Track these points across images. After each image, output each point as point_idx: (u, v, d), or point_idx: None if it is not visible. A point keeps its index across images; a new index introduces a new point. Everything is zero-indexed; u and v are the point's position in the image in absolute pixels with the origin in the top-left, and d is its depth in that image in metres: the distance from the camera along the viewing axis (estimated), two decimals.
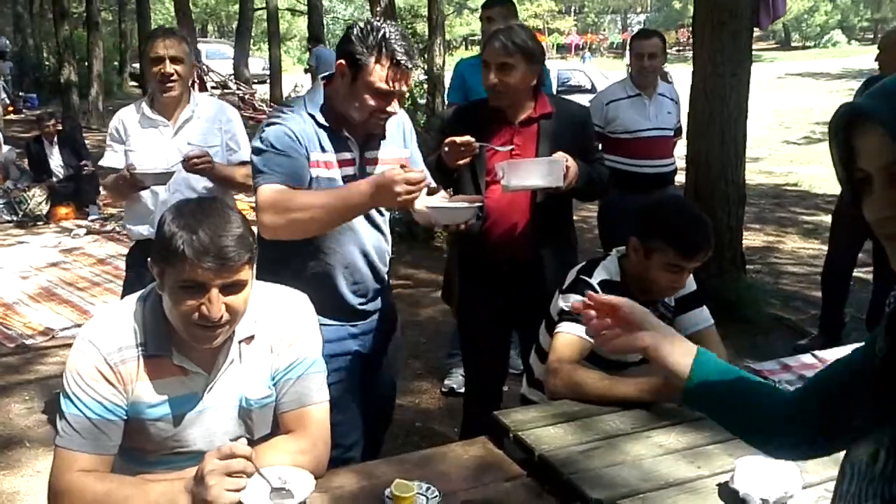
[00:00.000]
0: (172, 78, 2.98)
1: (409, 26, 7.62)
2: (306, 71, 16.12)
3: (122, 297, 3.27)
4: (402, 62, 2.10)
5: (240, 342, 1.75)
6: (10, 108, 17.34)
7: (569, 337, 2.17)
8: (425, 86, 7.65)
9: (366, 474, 1.77)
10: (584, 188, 2.61)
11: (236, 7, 24.50)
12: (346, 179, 2.22)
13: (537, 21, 46.63)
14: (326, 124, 2.20)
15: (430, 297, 5.50)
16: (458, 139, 2.48)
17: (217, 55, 23.89)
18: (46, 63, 21.40)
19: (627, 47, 4.68)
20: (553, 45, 44.23)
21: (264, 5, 19.18)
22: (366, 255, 2.34)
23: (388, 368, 2.65)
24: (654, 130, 4.31)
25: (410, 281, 5.96)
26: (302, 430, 1.78)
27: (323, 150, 2.20)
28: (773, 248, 7.04)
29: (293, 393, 1.79)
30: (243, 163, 3.04)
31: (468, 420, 3.00)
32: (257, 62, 25.23)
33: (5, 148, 8.49)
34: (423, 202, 2.24)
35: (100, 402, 1.65)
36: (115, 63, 22.87)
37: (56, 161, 8.20)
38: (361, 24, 2.15)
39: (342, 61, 2.14)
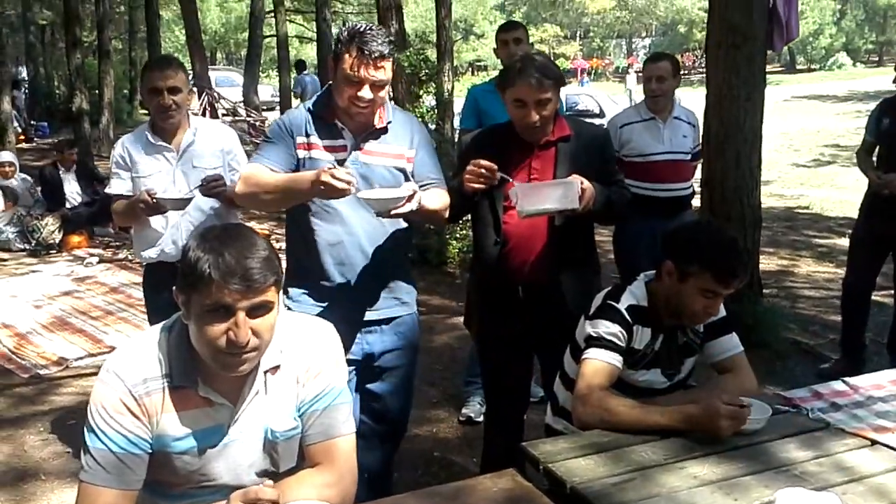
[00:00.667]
0: (171, 109, 3.05)
1: (419, 52, 7.62)
2: (295, 96, 16.28)
3: (151, 322, 3.27)
4: (366, 50, 2.32)
5: (265, 372, 1.72)
6: (22, 137, 17.49)
7: (597, 364, 2.14)
8: (435, 111, 7.66)
9: None
10: (603, 210, 2.58)
11: (245, 35, 24.72)
12: (340, 163, 2.44)
13: (543, 46, 46.94)
14: (318, 114, 2.50)
15: (444, 324, 5.47)
16: (484, 162, 2.48)
17: (226, 83, 24.08)
18: (58, 91, 21.60)
19: (635, 71, 4.65)
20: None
21: (274, 33, 19.33)
22: (354, 238, 2.51)
23: (398, 377, 2.70)
24: (668, 154, 4.28)
25: (423, 307, 5.90)
26: (328, 462, 1.75)
27: (307, 134, 2.48)
28: (788, 272, 6.99)
29: (319, 425, 1.76)
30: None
31: (489, 449, 2.96)
32: (266, 89, 25.39)
33: (20, 176, 8.53)
34: (367, 194, 2.37)
35: (125, 435, 1.63)
36: (126, 91, 23.05)
37: (72, 189, 8.26)
38: (344, 28, 2.45)
39: (330, 58, 2.44)
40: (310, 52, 28.19)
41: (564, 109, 13.03)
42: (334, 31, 23.04)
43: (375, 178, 2.48)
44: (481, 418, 3.69)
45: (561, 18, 49.07)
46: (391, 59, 2.39)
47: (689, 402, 2.09)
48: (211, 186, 3.00)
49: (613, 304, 2.22)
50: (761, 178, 5.04)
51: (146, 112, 15.77)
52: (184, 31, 15.93)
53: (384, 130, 2.52)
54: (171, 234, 3.12)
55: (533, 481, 1.85)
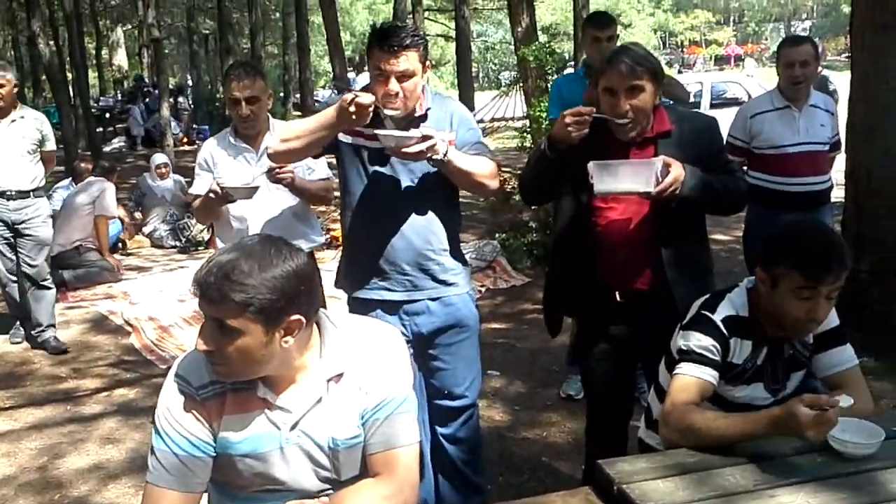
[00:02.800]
0: (249, 118, 3.18)
1: (546, 46, 7.49)
2: None
3: None
4: (385, 44, 2.41)
5: (328, 381, 1.70)
6: (185, 140, 18.74)
7: (686, 379, 1.98)
8: None
9: None
10: (700, 197, 2.38)
11: None
12: (376, 151, 2.55)
13: (694, 33, 45.19)
14: None
15: (565, 323, 5.25)
16: (582, 108, 2.35)
17: None
18: (218, 96, 23.01)
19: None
20: (711, 57, 42.64)
21: None
22: (395, 218, 2.60)
23: (452, 356, 2.72)
24: (804, 145, 3.94)
25: (539, 305, 5.81)
26: (389, 473, 1.70)
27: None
28: None
29: (381, 434, 1.72)
30: (321, 179, 3.30)
31: (590, 461, 2.82)
32: None
33: (174, 177, 9.11)
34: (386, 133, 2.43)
35: (187, 438, 1.66)
36: (281, 94, 24.16)
37: None
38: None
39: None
40: (451, 50, 28.51)
41: (711, 98, 12.43)
42: (473, 27, 23.25)
43: (416, 163, 2.53)
44: (581, 395, 3.62)
45: (712, 4, 46.94)
46: (415, 50, 2.44)
47: None
48: (276, 173, 3.07)
49: (708, 314, 2.04)
50: None
51: (299, 114, 16.40)
52: (325, 36, 16.44)
53: (423, 117, 2.59)
54: (247, 232, 3.21)
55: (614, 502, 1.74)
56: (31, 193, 5.00)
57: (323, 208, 8.75)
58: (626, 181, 2.29)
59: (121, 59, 27.59)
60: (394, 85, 2.43)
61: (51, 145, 5.12)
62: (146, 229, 8.70)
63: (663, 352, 2.32)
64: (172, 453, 1.65)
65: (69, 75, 18.43)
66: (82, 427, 4.10)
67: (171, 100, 17.86)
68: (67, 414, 4.28)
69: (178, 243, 8.41)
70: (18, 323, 5.45)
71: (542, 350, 4.95)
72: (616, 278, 2.52)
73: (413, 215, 2.61)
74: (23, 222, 4.98)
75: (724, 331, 2.02)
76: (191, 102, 22.20)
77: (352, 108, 2.32)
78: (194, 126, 20.15)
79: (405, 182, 2.59)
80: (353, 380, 1.72)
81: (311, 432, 1.71)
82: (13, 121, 4.90)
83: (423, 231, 2.62)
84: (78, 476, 3.61)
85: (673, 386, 1.99)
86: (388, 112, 2.45)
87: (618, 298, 2.53)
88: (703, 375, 1.98)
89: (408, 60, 2.43)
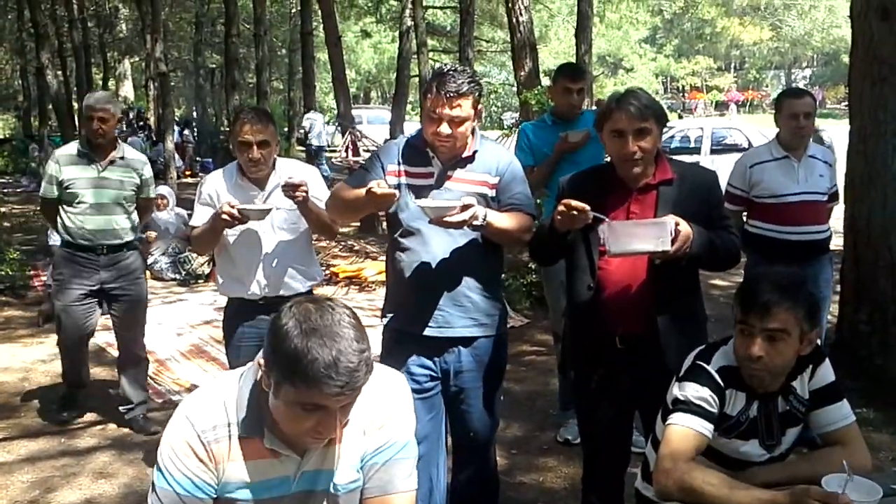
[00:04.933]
0: (260, 163, 3.18)
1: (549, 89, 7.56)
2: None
3: (229, 362, 3.38)
4: (443, 90, 2.52)
5: None
6: (188, 172, 18.85)
7: (683, 430, 1.98)
8: None
9: None
10: (704, 255, 2.42)
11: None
12: (420, 188, 2.67)
13: (695, 79, 45.68)
14: (413, 144, 2.75)
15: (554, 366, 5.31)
16: (574, 203, 2.37)
17: (378, 121, 25.02)
18: (222, 129, 23.15)
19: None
20: (712, 103, 43.05)
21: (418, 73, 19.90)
22: (432, 258, 2.67)
23: (476, 398, 2.77)
24: (804, 195, 3.98)
25: (544, 348, 5.80)
26: None
27: (399, 163, 2.73)
28: None
29: (378, 478, 1.72)
30: None
31: None
32: (413, 125, 26.07)
33: (175, 209, 9.13)
34: (421, 202, 2.55)
35: (190, 478, 1.64)
36: (285, 128, 24.33)
37: None
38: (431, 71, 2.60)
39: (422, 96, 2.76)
40: None
41: (711, 144, 12.54)
42: (477, 68, 23.52)
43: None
44: (578, 440, 3.57)
45: (713, 50, 47.55)
46: (470, 97, 2.56)
47: (788, 476, 1.89)
48: (293, 187, 3.06)
49: (703, 364, 2.05)
50: None
51: (303, 149, 16.42)
52: (330, 73, 16.66)
53: (471, 159, 2.69)
54: (258, 274, 3.22)
55: None
56: (125, 248, 4.31)
57: (324, 243, 8.77)
58: (642, 242, 2.31)
59: (127, 90, 27.83)
60: (445, 129, 2.56)
61: (150, 191, 4.45)
62: (147, 261, 8.70)
63: (661, 400, 2.32)
64: (174, 492, 1.64)
65: (75, 105, 18.63)
66: (75, 461, 4.08)
67: (177, 131, 18.02)
68: (61, 447, 4.26)
69: (178, 276, 8.41)
70: (69, 400, 4.68)
71: (540, 393, 4.93)
72: (615, 325, 2.53)
73: (453, 252, 2.67)
74: (115, 281, 4.26)
75: (720, 381, 2.03)
76: (195, 135, 22.37)
77: (372, 188, 2.50)
78: (197, 159, 20.27)
79: None
80: (357, 424, 1.71)
81: (314, 479, 1.70)
82: (112, 162, 4.24)
83: (460, 269, 2.68)
84: None
85: (668, 435, 1.99)
86: (437, 152, 2.63)
87: (617, 345, 2.54)
88: (699, 427, 1.98)
89: (461, 108, 2.56)
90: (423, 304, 2.69)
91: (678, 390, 2.05)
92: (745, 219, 4.18)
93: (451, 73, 2.57)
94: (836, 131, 10.34)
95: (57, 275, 4.35)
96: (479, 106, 2.65)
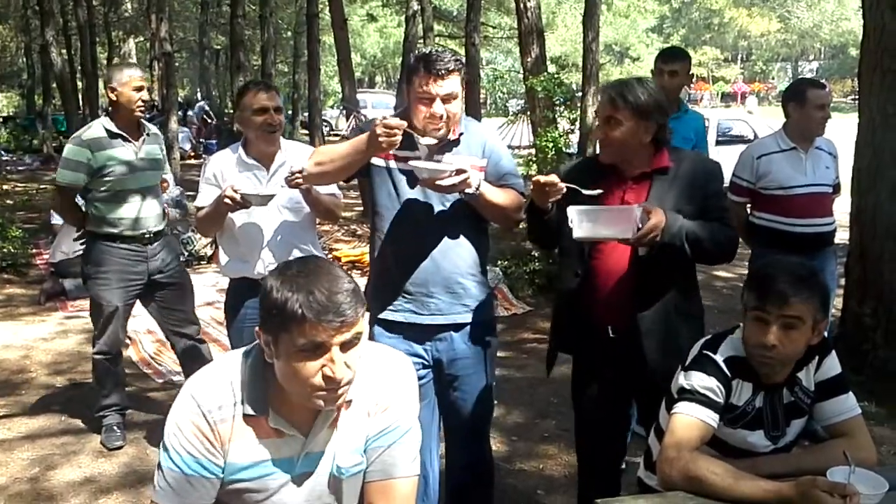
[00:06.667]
0: (277, 126, 3.20)
1: (554, 77, 7.53)
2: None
3: (230, 336, 3.37)
4: (432, 68, 2.47)
5: (338, 406, 1.69)
6: (192, 154, 18.83)
7: (687, 419, 1.96)
8: (570, 136, 7.52)
9: None
10: (681, 246, 2.37)
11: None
12: (407, 173, 2.60)
13: (701, 69, 45.46)
14: None
15: (564, 355, 5.30)
16: (543, 178, 2.42)
17: (381, 105, 24.98)
18: (226, 111, 23.09)
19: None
20: (717, 94, 42.87)
21: None
22: (420, 243, 2.63)
23: (470, 384, 2.74)
24: (811, 186, 3.96)
25: (546, 336, 5.77)
26: (385, 502, 1.69)
27: None
28: None
29: (380, 462, 1.71)
30: (329, 195, 3.27)
31: (583, 497, 2.81)
32: None
33: (176, 190, 9.12)
34: (415, 162, 2.50)
35: (196, 457, 1.64)
36: (289, 111, 24.28)
37: None
38: (412, 54, 2.56)
39: (404, 84, 2.60)
40: None
41: (717, 136, 12.46)
42: (483, 54, 23.43)
43: None
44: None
45: (721, 41, 47.30)
46: (458, 74, 2.52)
47: (793, 467, 1.88)
48: (294, 177, 3.00)
49: (710, 354, 2.04)
50: None
51: (306, 133, 16.35)
52: (335, 56, 16.57)
53: (456, 142, 2.63)
54: (263, 254, 3.21)
55: None
56: (163, 233, 4.01)
57: (326, 227, 8.76)
58: (605, 227, 2.31)
59: None
60: (438, 107, 2.50)
61: (167, 167, 4.17)
62: None
63: (656, 389, 2.32)
64: (181, 472, 1.63)
65: (79, 84, 18.57)
66: (76, 439, 4.08)
67: (181, 113, 17.98)
68: (62, 425, 4.26)
69: (180, 257, 8.38)
70: (118, 420, 4.06)
71: (541, 381, 4.91)
72: (607, 315, 2.53)
73: (442, 238, 2.64)
74: (165, 268, 3.93)
75: (727, 371, 2.01)
76: (213, 115, 22.24)
77: (380, 130, 2.38)
78: (201, 140, 20.24)
79: (436, 206, 2.63)
80: (361, 406, 1.71)
81: (318, 461, 1.70)
82: (145, 137, 3.88)
83: (451, 254, 2.65)
84: (70, 489, 3.58)
85: (672, 424, 1.98)
86: (429, 136, 2.52)
87: (610, 334, 2.53)
88: (704, 417, 1.97)
89: (453, 84, 2.51)
90: (415, 293, 2.65)
91: (684, 379, 2.04)
92: (749, 210, 4.16)
93: (434, 52, 2.55)
94: (842, 125, 10.30)
95: (98, 273, 3.82)
96: (465, 86, 2.61)
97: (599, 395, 2.63)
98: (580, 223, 2.31)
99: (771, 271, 1.98)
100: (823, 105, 3.95)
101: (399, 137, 2.42)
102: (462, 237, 2.66)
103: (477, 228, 2.71)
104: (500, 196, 2.60)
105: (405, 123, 2.43)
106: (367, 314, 1.85)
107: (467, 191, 2.47)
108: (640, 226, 2.29)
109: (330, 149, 2.73)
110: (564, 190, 2.40)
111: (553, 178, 2.42)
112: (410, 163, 2.49)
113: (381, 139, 2.40)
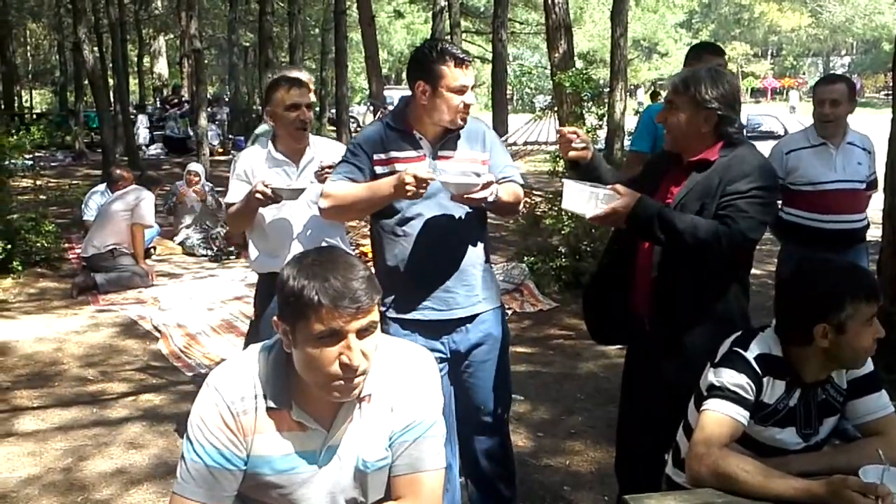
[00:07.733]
0: (308, 123, 3.22)
1: (582, 72, 7.49)
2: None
3: (261, 338, 3.37)
4: (459, 58, 2.51)
5: (359, 400, 1.69)
6: (221, 150, 18.97)
7: (717, 416, 1.95)
8: (598, 132, 7.48)
9: None
10: (654, 234, 2.34)
11: None
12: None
13: (731, 65, 44.98)
14: (396, 128, 2.62)
15: (591, 350, 5.30)
16: (564, 129, 2.67)
17: None
18: (255, 107, 23.22)
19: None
20: (747, 89, 42.40)
21: None
22: (431, 239, 2.62)
23: (487, 371, 2.76)
24: (841, 182, 3.91)
25: (573, 332, 5.78)
26: (412, 497, 1.70)
27: (385, 150, 2.61)
28: None
29: (407, 456, 1.72)
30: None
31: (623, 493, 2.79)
32: None
33: (207, 185, 9.21)
34: (446, 178, 2.50)
35: (219, 449, 1.65)
36: (317, 108, 24.35)
37: None
38: (422, 49, 2.59)
39: (419, 82, 2.53)
40: (487, 72, 28.70)
41: (746, 131, 12.34)
42: (510, 50, 23.38)
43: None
44: None
45: (751, 36, 46.75)
46: None
47: (824, 466, 1.86)
48: (325, 171, 3.06)
49: (741, 351, 2.02)
50: None
51: (334, 129, 16.39)
52: (363, 53, 16.63)
53: (457, 136, 2.65)
54: (293, 248, 3.21)
55: None
56: None
57: (353, 223, 8.79)
58: (575, 203, 2.43)
59: (161, 67, 27.99)
60: (470, 97, 2.55)
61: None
62: (178, 238, 8.79)
63: (676, 386, 2.31)
64: (204, 464, 1.64)
65: (111, 81, 18.79)
66: (107, 431, 4.14)
67: (210, 109, 18.12)
68: (94, 417, 4.33)
69: (209, 252, 8.48)
70: None
71: (568, 376, 4.92)
72: (644, 308, 2.53)
73: (453, 233, 2.66)
74: None
75: (758, 369, 2.00)
76: (229, 113, 22.44)
77: (409, 180, 2.38)
78: (230, 136, 20.38)
79: (445, 202, 2.63)
80: (384, 400, 1.71)
81: (342, 454, 1.71)
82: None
83: (462, 248, 2.68)
84: (101, 479, 3.63)
85: (702, 421, 1.97)
86: (456, 126, 2.58)
87: (647, 328, 2.53)
88: (734, 414, 1.96)
89: (473, 72, 2.58)
90: (431, 289, 2.66)
91: (713, 376, 2.02)
92: (780, 205, 4.11)
93: (447, 43, 2.61)
94: (875, 120, 10.14)
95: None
96: None
97: (641, 385, 2.64)
98: (564, 196, 2.46)
99: (854, 275, 2.00)
100: (823, 101, 3.92)
101: (427, 188, 2.43)
102: (471, 229, 2.70)
103: (480, 219, 2.75)
104: (510, 196, 2.65)
105: (435, 177, 2.45)
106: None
107: (489, 199, 2.49)
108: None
109: (349, 190, 2.60)
110: (587, 147, 2.63)
111: (574, 129, 2.66)
112: (440, 178, 2.47)
113: (407, 188, 2.39)
